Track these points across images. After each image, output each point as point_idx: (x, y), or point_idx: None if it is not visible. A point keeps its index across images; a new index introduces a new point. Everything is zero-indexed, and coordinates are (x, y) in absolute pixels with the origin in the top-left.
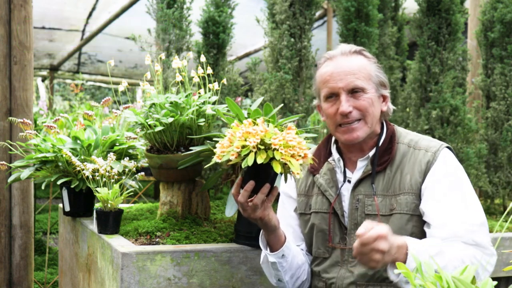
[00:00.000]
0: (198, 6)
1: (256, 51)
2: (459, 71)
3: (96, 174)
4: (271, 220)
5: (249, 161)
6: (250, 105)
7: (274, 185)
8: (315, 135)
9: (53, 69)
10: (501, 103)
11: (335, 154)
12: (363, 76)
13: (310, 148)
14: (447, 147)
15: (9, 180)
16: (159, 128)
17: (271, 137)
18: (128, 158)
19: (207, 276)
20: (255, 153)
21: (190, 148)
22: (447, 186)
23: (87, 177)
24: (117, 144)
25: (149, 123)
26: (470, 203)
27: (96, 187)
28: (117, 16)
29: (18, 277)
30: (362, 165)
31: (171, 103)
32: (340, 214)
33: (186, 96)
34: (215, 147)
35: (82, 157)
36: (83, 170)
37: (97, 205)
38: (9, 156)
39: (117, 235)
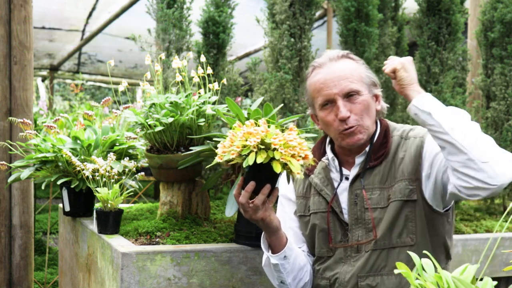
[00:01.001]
0: (198, 6)
1: (256, 51)
2: (459, 71)
3: (96, 174)
4: (273, 221)
5: (250, 160)
6: (250, 105)
7: (275, 186)
8: (315, 135)
9: (53, 69)
10: (501, 103)
11: (329, 154)
12: (356, 79)
13: (310, 149)
14: None
15: (9, 180)
16: (159, 128)
17: (272, 137)
18: (128, 158)
19: (207, 276)
20: (256, 153)
21: (190, 148)
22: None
23: (87, 177)
24: (117, 144)
25: (149, 123)
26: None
27: (96, 187)
28: (117, 16)
29: (18, 277)
30: (359, 161)
31: (171, 103)
32: (338, 212)
33: (186, 96)
34: (215, 147)
35: (82, 157)
36: (83, 170)
37: (97, 205)
38: (9, 156)
39: (117, 235)
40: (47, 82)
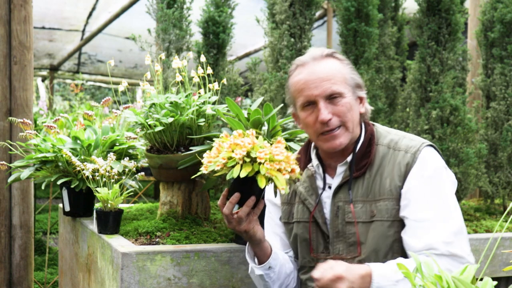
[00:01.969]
0: (198, 6)
1: (256, 51)
2: (459, 71)
3: (96, 174)
4: (256, 233)
5: (234, 173)
6: (250, 105)
7: (261, 198)
8: None
9: (53, 69)
10: (501, 103)
11: (315, 161)
12: (339, 80)
13: (297, 163)
14: (430, 145)
15: (9, 180)
16: (159, 128)
17: (258, 151)
18: (128, 158)
19: (207, 276)
20: (241, 165)
21: (190, 148)
22: (425, 193)
23: (87, 177)
24: (117, 144)
25: (149, 123)
26: (448, 210)
27: (96, 187)
28: (117, 16)
29: (18, 277)
30: (341, 170)
31: (171, 103)
32: (321, 222)
33: (186, 96)
34: None
35: (82, 157)
36: (83, 170)
37: (97, 205)
38: (9, 156)
39: (117, 235)
40: (47, 82)
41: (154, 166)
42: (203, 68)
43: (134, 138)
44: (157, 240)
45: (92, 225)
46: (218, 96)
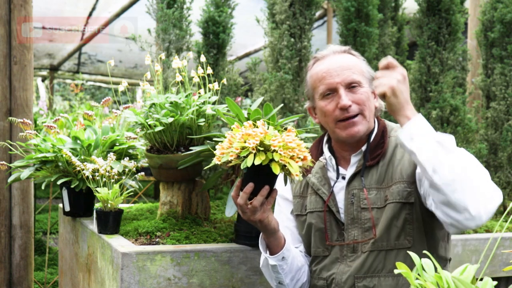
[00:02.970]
0: (198, 6)
1: (256, 51)
2: (459, 71)
3: (96, 174)
4: (271, 222)
5: (248, 162)
6: (250, 105)
7: (274, 187)
8: (315, 135)
9: (53, 69)
10: (501, 103)
11: (327, 153)
12: (358, 71)
13: (308, 149)
14: None
15: (9, 180)
16: (159, 128)
17: (271, 139)
18: (128, 158)
19: (207, 276)
20: (254, 154)
21: (190, 148)
22: None
23: (87, 177)
24: (117, 144)
25: (149, 123)
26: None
27: (96, 187)
28: (117, 16)
29: (18, 277)
30: (355, 160)
31: (171, 103)
32: (335, 211)
33: (186, 96)
34: (215, 148)
35: (82, 157)
36: (83, 170)
37: (97, 205)
38: (9, 156)
39: (117, 235)
40: (47, 82)
41: (154, 166)
42: (203, 68)
43: (134, 138)
44: (157, 240)
45: (92, 225)
46: (218, 96)
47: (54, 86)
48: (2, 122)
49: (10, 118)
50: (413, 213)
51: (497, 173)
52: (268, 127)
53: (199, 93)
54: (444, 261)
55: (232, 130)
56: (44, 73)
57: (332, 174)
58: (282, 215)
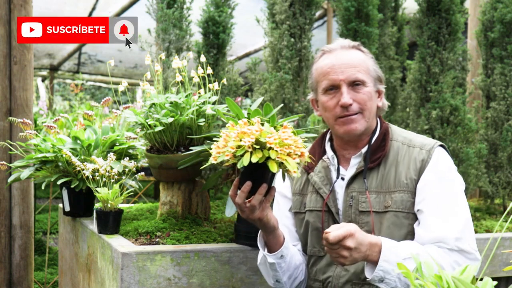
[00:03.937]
0: (198, 6)
1: (256, 51)
2: (459, 71)
3: (96, 174)
4: (270, 220)
5: (245, 161)
6: (250, 105)
7: (272, 185)
8: (315, 135)
9: (53, 69)
10: (501, 103)
11: (329, 152)
12: (363, 70)
13: (306, 147)
14: (441, 145)
15: (9, 180)
16: (159, 128)
17: (266, 136)
18: (128, 158)
19: (207, 276)
20: (251, 153)
21: (190, 148)
22: (439, 189)
23: (87, 177)
24: (117, 144)
25: (149, 123)
26: (459, 207)
27: (96, 187)
28: (117, 16)
29: (18, 277)
30: (355, 162)
31: (171, 103)
32: (334, 212)
33: (186, 96)
34: None
35: (82, 157)
36: (83, 170)
37: (97, 205)
38: (9, 156)
39: (117, 235)
40: (47, 82)
41: (154, 166)
42: (203, 68)
43: (134, 138)
44: (157, 240)
45: (92, 225)
46: (218, 96)
47: (54, 86)
48: (2, 122)
49: (10, 118)
50: (414, 224)
51: (497, 173)
52: (263, 123)
53: (199, 93)
54: None
55: (227, 128)
56: (44, 73)
57: (334, 174)
58: (280, 212)
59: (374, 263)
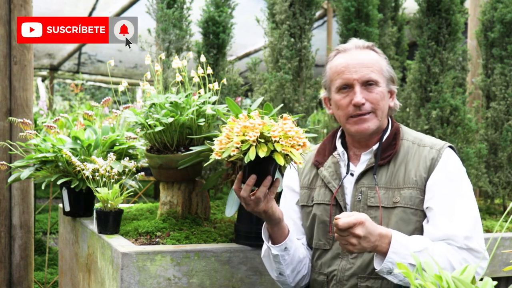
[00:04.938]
0: (198, 6)
1: (256, 51)
2: (459, 71)
3: (96, 174)
4: (275, 212)
5: (251, 155)
6: (250, 105)
7: (276, 177)
8: (315, 135)
9: (53, 69)
10: (501, 103)
11: (340, 148)
12: (377, 70)
13: (307, 137)
14: (450, 146)
15: (9, 180)
16: (159, 128)
17: (270, 130)
18: (128, 158)
19: (207, 276)
20: (256, 146)
21: (190, 148)
22: (449, 188)
23: (87, 177)
24: (117, 144)
25: (149, 123)
26: (469, 206)
27: (96, 187)
28: (117, 16)
29: (18, 277)
30: (365, 159)
31: (171, 103)
32: (342, 206)
33: (186, 96)
34: None
35: (82, 157)
36: (83, 170)
37: (97, 205)
38: (9, 156)
39: (117, 235)
40: (47, 82)
41: (154, 166)
42: (203, 68)
43: (134, 138)
44: (157, 240)
45: (92, 225)
46: (218, 96)
47: (54, 86)
48: (2, 122)
49: (10, 118)
50: (422, 221)
51: (497, 173)
52: (262, 116)
53: (199, 93)
54: None
55: (228, 123)
56: (44, 73)
57: (344, 170)
58: (287, 205)
59: (383, 254)
